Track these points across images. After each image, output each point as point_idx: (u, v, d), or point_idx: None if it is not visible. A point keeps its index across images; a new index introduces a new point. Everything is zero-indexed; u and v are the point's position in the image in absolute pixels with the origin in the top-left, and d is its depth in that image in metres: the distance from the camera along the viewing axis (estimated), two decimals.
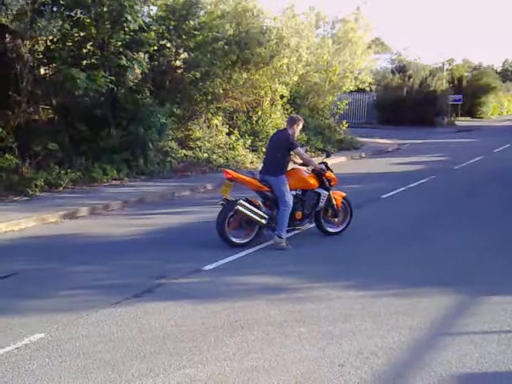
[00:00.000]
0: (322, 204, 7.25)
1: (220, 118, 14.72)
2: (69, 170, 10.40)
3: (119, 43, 11.72)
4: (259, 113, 15.81)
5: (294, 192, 6.99)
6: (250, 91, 15.05)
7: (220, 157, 13.58)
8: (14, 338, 4.19)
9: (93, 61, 11.61)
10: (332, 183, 7.36)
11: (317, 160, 8.06)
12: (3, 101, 10.71)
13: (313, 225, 7.51)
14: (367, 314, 4.76)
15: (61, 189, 9.96)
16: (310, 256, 6.63)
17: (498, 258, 6.57)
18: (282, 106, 16.79)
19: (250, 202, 6.80)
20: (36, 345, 4.09)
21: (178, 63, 13.87)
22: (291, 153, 7.02)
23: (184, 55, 13.76)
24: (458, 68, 44.01)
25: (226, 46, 13.83)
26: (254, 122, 15.75)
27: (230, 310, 4.80)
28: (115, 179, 11.06)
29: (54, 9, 10.62)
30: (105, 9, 11.21)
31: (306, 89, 18.80)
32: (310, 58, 18.26)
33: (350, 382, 3.64)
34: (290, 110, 16.83)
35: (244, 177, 7.00)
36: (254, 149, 14.88)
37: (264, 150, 13.97)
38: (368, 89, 23.37)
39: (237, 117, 15.33)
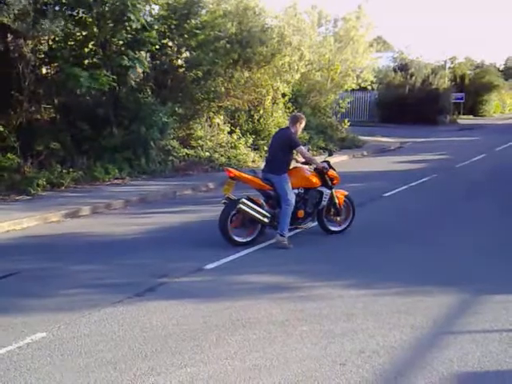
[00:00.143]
0: (324, 202, 7.25)
1: (222, 117, 14.71)
2: (71, 169, 10.42)
3: (121, 42, 11.73)
4: (261, 111, 15.79)
5: (296, 190, 6.98)
6: (252, 90, 15.03)
7: (222, 156, 13.57)
8: (16, 337, 4.20)
9: (95, 60, 11.62)
10: (334, 182, 7.35)
11: (319, 159, 8.05)
12: (5, 100, 10.73)
13: (315, 223, 7.50)
14: (369, 313, 4.76)
15: (63, 188, 9.97)
16: (312, 255, 6.63)
17: (500, 258, 6.56)
18: (284, 104, 16.78)
19: (253, 201, 6.80)
20: (38, 344, 4.10)
21: (179, 62, 13.86)
22: (294, 151, 7.02)
23: (186, 54, 13.76)
24: (461, 66, 43.87)
25: (228, 45, 13.82)
26: (255, 120, 15.73)
27: (231, 309, 4.80)
28: (117, 178, 11.07)
29: (56, 8, 10.64)
30: (106, 8, 11.22)
31: (307, 87, 18.78)
32: (311, 57, 18.24)
33: (351, 381, 3.64)
34: (291, 109, 16.81)
35: (246, 175, 7.00)
36: (255, 147, 14.88)
37: (266, 148, 13.98)
38: (370, 87, 23.33)
39: (238, 115, 15.32)
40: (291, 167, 7.12)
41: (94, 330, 4.36)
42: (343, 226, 7.60)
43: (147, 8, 12.39)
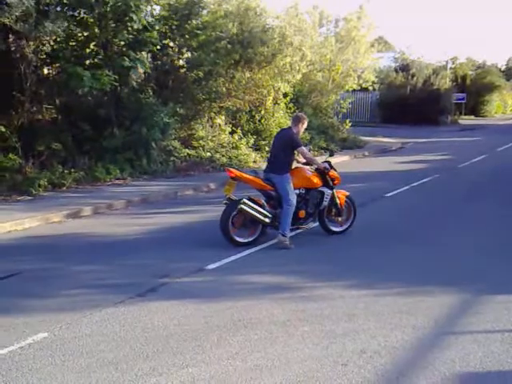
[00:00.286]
0: (325, 203, 7.25)
1: (223, 117, 14.71)
2: (72, 170, 10.41)
3: (122, 43, 11.74)
4: (262, 112, 15.79)
5: (297, 191, 6.98)
6: (253, 90, 15.03)
7: (223, 156, 13.57)
8: (18, 337, 4.20)
9: (96, 61, 11.63)
10: (335, 182, 7.35)
11: (320, 159, 8.05)
12: (7, 101, 10.74)
13: (316, 224, 7.50)
14: (370, 313, 4.76)
15: (64, 188, 9.97)
16: (313, 255, 6.63)
17: (501, 258, 6.56)
18: (286, 104, 16.78)
19: (254, 201, 6.80)
20: (39, 344, 4.10)
21: (180, 62, 13.87)
22: (295, 152, 7.02)
23: (187, 54, 13.76)
24: (462, 66, 43.87)
25: (229, 46, 13.81)
26: (256, 121, 15.73)
27: (233, 309, 4.80)
28: (118, 179, 11.07)
29: (58, 9, 10.66)
30: (108, 8, 11.23)
31: (309, 88, 18.78)
32: (313, 57, 18.23)
33: (353, 381, 3.64)
34: (293, 109, 16.81)
35: (247, 176, 7.00)
36: (256, 148, 14.88)
37: (267, 149, 14.00)
38: (371, 87, 23.37)
39: (240, 116, 15.32)
40: (292, 167, 7.12)
41: (95, 330, 4.36)
42: (344, 227, 7.59)
43: (148, 8, 12.40)
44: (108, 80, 10.72)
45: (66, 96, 11.63)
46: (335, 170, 7.42)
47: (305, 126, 7.25)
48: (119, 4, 10.92)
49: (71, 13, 11.10)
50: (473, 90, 39.84)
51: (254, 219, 6.79)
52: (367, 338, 4.27)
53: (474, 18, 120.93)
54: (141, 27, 11.38)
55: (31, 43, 10.47)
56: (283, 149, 6.94)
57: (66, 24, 10.17)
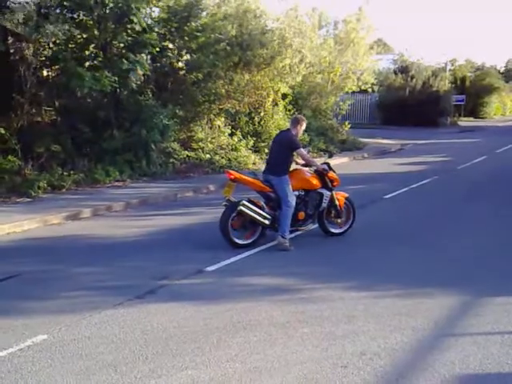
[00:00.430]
0: (324, 204, 7.25)
1: (222, 119, 14.72)
2: (71, 172, 10.41)
3: (122, 45, 11.74)
4: (261, 114, 15.79)
5: (296, 192, 6.99)
6: (252, 92, 15.04)
7: (222, 158, 13.57)
8: (17, 339, 4.19)
9: (95, 63, 11.63)
10: (334, 184, 7.35)
11: (319, 161, 8.05)
12: (6, 103, 10.75)
13: (316, 225, 7.50)
14: (370, 315, 4.75)
15: (63, 190, 9.97)
16: (313, 257, 6.62)
17: (501, 259, 6.56)
18: (285, 106, 16.79)
19: (253, 203, 6.80)
20: (39, 346, 4.09)
21: (180, 64, 13.87)
22: (294, 153, 7.03)
23: (186, 57, 13.76)
24: (461, 68, 43.95)
25: (228, 48, 13.82)
26: (256, 122, 15.73)
27: (232, 311, 4.80)
28: (118, 180, 11.07)
29: (57, 11, 10.67)
30: (107, 11, 11.24)
31: (308, 89, 18.79)
32: (312, 59, 18.25)
33: (352, 383, 3.63)
34: (292, 111, 16.83)
35: (246, 177, 7.00)
36: (256, 150, 14.88)
37: (266, 150, 13.99)
38: (370, 89, 23.35)
39: (239, 118, 15.32)
40: (291, 169, 7.12)
41: (94, 332, 4.35)
42: (344, 228, 7.59)
43: (147, 11, 12.41)
44: (108, 82, 10.73)
45: (65, 98, 11.64)
46: (334, 172, 7.43)
47: (303, 127, 7.26)
48: (120, 5, 10.93)
49: (70, 15, 11.11)
50: (472, 91, 39.92)
51: (254, 221, 6.79)
52: (367, 340, 4.26)
53: (473, 19, 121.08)
54: (141, 29, 11.39)
55: (31, 45, 10.47)
56: (282, 150, 6.95)
57: (66, 27, 10.19)
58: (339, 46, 20.18)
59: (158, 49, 12.17)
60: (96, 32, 11.50)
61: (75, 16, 11.29)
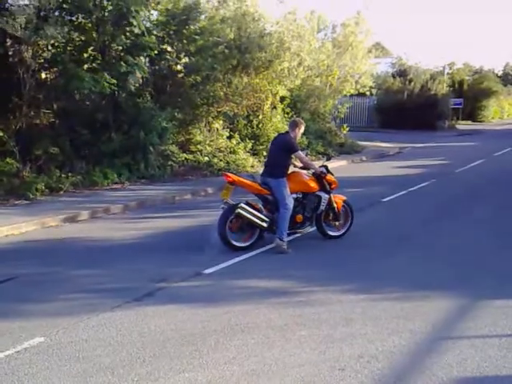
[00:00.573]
0: (322, 207, 7.25)
1: (221, 122, 14.73)
2: (69, 174, 10.40)
3: (120, 48, 11.75)
4: (260, 117, 15.80)
5: (294, 195, 6.99)
6: (251, 95, 15.05)
7: (221, 160, 13.58)
8: (14, 341, 4.18)
9: (94, 65, 11.64)
10: (332, 186, 7.36)
11: (317, 163, 8.06)
12: (5, 105, 10.74)
13: (314, 228, 7.50)
14: (368, 318, 4.75)
15: (61, 193, 9.95)
16: (311, 260, 6.62)
17: (499, 262, 6.56)
18: (283, 109, 16.81)
19: (251, 206, 6.80)
20: (36, 349, 4.09)
21: (178, 67, 13.88)
22: (292, 156, 7.04)
23: (185, 59, 13.77)
24: (459, 72, 44.05)
25: (227, 51, 13.84)
26: (254, 125, 15.74)
27: (230, 314, 4.79)
28: (116, 183, 11.06)
29: (56, 13, 10.68)
30: (106, 13, 11.26)
31: (306, 93, 18.81)
32: (311, 63, 18.28)
33: None
34: (290, 114, 16.84)
35: (244, 180, 7.01)
36: (254, 152, 14.89)
37: (265, 153, 14.00)
38: (369, 93, 23.38)
39: (237, 121, 15.33)
40: (289, 172, 7.13)
41: (92, 334, 4.35)
42: (342, 231, 7.60)
43: (146, 13, 12.42)
44: (107, 84, 10.74)
45: (63, 100, 11.62)
46: (332, 175, 7.44)
47: (302, 130, 7.28)
48: (119, 8, 10.94)
49: (69, 18, 11.13)
50: (470, 95, 39.98)
51: (252, 224, 6.79)
52: (364, 343, 4.26)
53: (471, 23, 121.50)
54: (139, 32, 11.40)
55: (30, 48, 10.47)
56: (280, 153, 6.96)
57: (65, 29, 10.21)
58: (337, 50, 20.20)
59: (156, 52, 12.18)
60: (95, 35, 11.51)
61: (74, 19, 11.30)
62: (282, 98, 16.60)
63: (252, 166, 13.85)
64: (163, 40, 13.00)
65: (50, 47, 11.20)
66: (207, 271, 5.98)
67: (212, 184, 11.47)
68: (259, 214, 6.79)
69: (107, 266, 6.24)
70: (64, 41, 10.91)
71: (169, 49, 13.44)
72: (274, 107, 16.25)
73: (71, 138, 11.23)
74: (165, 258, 6.47)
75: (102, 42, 11.51)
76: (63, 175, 10.30)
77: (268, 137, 15.06)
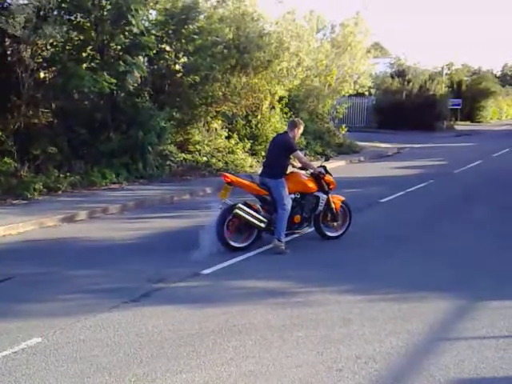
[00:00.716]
0: (320, 208, 7.25)
1: (219, 122, 14.73)
2: (68, 174, 10.40)
3: (119, 47, 11.74)
4: (258, 117, 15.81)
5: (292, 195, 6.99)
6: (249, 95, 15.05)
7: (219, 160, 13.58)
8: (11, 342, 4.18)
9: (93, 65, 11.63)
10: (331, 187, 7.36)
11: (315, 164, 8.06)
12: (3, 104, 10.72)
13: (312, 229, 7.50)
14: (365, 319, 4.75)
15: (60, 192, 9.94)
16: (309, 260, 6.62)
17: (496, 263, 6.57)
18: (281, 109, 16.80)
19: (249, 206, 6.80)
20: (33, 349, 4.08)
21: (177, 67, 13.87)
22: (291, 156, 7.04)
23: (183, 59, 13.77)
24: (458, 72, 44.10)
25: (226, 50, 13.83)
26: (253, 125, 15.74)
27: (227, 315, 4.79)
28: (114, 183, 11.05)
29: (55, 12, 10.67)
30: (105, 12, 11.25)
31: (305, 93, 18.82)
32: (310, 63, 18.28)
33: None
34: (289, 114, 16.84)
35: (243, 180, 7.01)
36: (253, 153, 14.89)
37: (263, 153, 14.00)
38: (367, 93, 23.40)
39: (236, 121, 15.33)
40: (288, 172, 7.13)
41: (89, 335, 4.34)
42: (340, 232, 7.60)
43: (145, 13, 12.41)
44: (106, 84, 10.73)
45: (62, 100, 11.61)
46: (330, 175, 7.43)
47: (301, 131, 7.28)
48: (119, 6, 10.92)
49: (68, 17, 11.11)
50: (468, 95, 40.04)
51: (249, 224, 6.79)
52: (362, 344, 4.26)
53: (470, 24, 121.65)
54: (138, 31, 11.40)
55: (28, 47, 10.46)
56: (279, 153, 6.96)
57: (65, 29, 10.20)
58: (336, 50, 20.22)
59: (155, 51, 12.17)
60: (93, 34, 11.50)
61: (73, 18, 11.29)
62: (280, 98, 16.60)
63: (250, 166, 13.86)
64: (162, 39, 12.99)
65: (48, 46, 11.19)
66: (205, 272, 5.97)
67: (210, 184, 11.45)
68: (257, 215, 6.78)
69: (105, 266, 6.23)
70: (63, 40, 10.89)
71: (167, 48, 13.44)
72: (273, 107, 16.25)
73: (69, 138, 11.21)
74: (162, 259, 6.46)
75: (101, 41, 11.50)
76: (61, 175, 10.28)
77: (266, 137, 15.07)
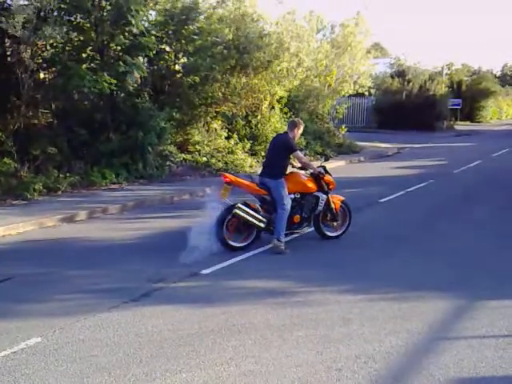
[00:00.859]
0: (320, 208, 7.25)
1: (219, 122, 14.73)
2: (67, 174, 10.39)
3: (119, 47, 11.74)
4: (258, 117, 15.81)
5: (292, 195, 6.99)
6: (249, 95, 15.06)
7: (219, 161, 13.58)
8: (11, 342, 4.18)
9: (92, 65, 11.63)
10: (330, 187, 7.36)
11: (315, 164, 8.06)
12: (3, 105, 10.73)
13: (311, 229, 7.50)
14: (365, 318, 4.76)
15: (59, 193, 9.94)
16: (309, 260, 6.62)
17: (495, 262, 6.57)
18: (281, 109, 16.81)
19: (249, 206, 6.80)
20: (32, 349, 4.08)
21: (177, 67, 13.88)
22: (291, 156, 7.04)
23: (183, 60, 13.78)
24: (458, 72, 44.14)
25: (225, 51, 13.84)
26: (253, 126, 15.75)
27: (227, 314, 4.79)
28: (114, 183, 11.05)
29: (55, 13, 10.67)
30: (105, 13, 11.26)
31: (305, 93, 18.83)
32: (309, 63, 18.29)
33: None
34: (289, 114, 16.85)
35: (242, 180, 7.00)
36: (252, 153, 14.90)
37: (263, 153, 14.01)
38: (367, 93, 23.40)
39: (236, 121, 15.34)
40: (287, 172, 7.13)
41: (88, 335, 4.34)
42: (340, 232, 7.60)
43: (145, 13, 12.41)
44: (107, 84, 10.73)
45: (62, 100, 11.61)
46: (330, 175, 7.43)
47: (301, 131, 7.28)
48: (119, 7, 10.92)
49: (68, 18, 11.12)
50: (468, 95, 40.07)
51: (249, 224, 6.79)
52: (362, 343, 4.26)
53: (470, 24, 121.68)
54: (138, 32, 11.40)
55: (28, 48, 10.46)
56: (279, 153, 6.97)
57: (65, 29, 10.21)
58: (336, 50, 20.24)
59: (154, 52, 12.17)
60: (93, 34, 11.50)
61: (72, 19, 11.29)
62: (279, 98, 16.60)
63: (250, 166, 13.86)
64: (162, 40, 13.00)
65: (48, 47, 11.19)
66: (204, 271, 5.97)
67: (210, 184, 11.44)
68: (257, 215, 6.78)
69: (104, 266, 6.23)
70: (63, 41, 10.89)
71: (167, 49, 13.45)
72: (273, 107, 16.25)
73: (69, 138, 11.21)
74: (162, 259, 6.46)
75: (101, 41, 11.50)
76: (61, 175, 10.28)
77: (266, 137, 15.08)
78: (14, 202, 9.14)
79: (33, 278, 5.75)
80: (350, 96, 23.23)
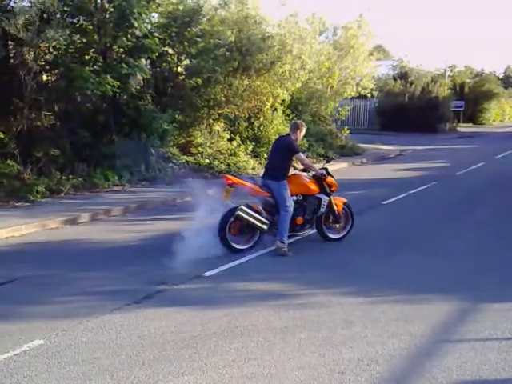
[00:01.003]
0: (322, 209, 7.24)
1: (222, 124, 14.75)
2: (70, 176, 10.42)
3: (121, 50, 11.77)
4: (261, 119, 15.82)
5: (294, 197, 6.99)
6: (252, 97, 15.07)
7: (221, 163, 13.59)
8: (14, 344, 4.18)
9: (95, 67, 11.66)
10: (333, 189, 7.36)
11: (318, 166, 8.06)
12: (6, 107, 10.76)
13: (314, 231, 7.49)
14: (368, 321, 4.75)
15: (62, 195, 9.97)
16: (311, 262, 6.62)
17: (499, 264, 6.55)
18: (283, 111, 16.81)
19: (251, 208, 6.80)
20: (35, 351, 4.08)
21: (179, 70, 13.91)
22: (293, 158, 7.04)
23: (186, 62, 13.81)
24: (460, 74, 44.14)
25: (228, 53, 13.87)
26: (255, 128, 15.77)
27: (229, 316, 4.79)
28: (117, 185, 11.07)
29: (58, 15, 10.71)
30: (108, 15, 11.29)
31: (307, 95, 18.85)
32: (312, 65, 18.30)
33: None
34: (291, 116, 16.86)
35: (245, 182, 7.00)
36: (255, 155, 14.91)
37: (265, 155, 14.02)
38: (370, 95, 23.40)
39: (238, 123, 15.35)
40: (290, 174, 7.13)
41: (91, 337, 4.34)
42: (342, 234, 7.59)
43: (148, 15, 12.44)
44: (111, 87, 10.76)
45: (65, 102, 11.65)
46: (333, 177, 7.43)
47: (303, 133, 7.28)
48: (122, 9, 10.95)
49: (71, 20, 11.16)
50: (471, 97, 40.07)
51: (252, 226, 6.79)
52: (364, 346, 4.25)
53: (473, 26, 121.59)
54: (141, 34, 11.43)
55: (31, 50, 10.49)
56: (281, 155, 6.97)
57: (68, 32, 10.24)
58: (339, 52, 20.25)
59: (157, 54, 12.20)
60: (96, 37, 11.54)
61: (75, 21, 11.34)
62: (282, 101, 16.61)
63: (253, 168, 13.87)
64: (164, 42, 13.02)
65: (51, 49, 11.23)
66: (207, 273, 5.97)
67: (213, 186, 11.43)
68: (259, 217, 6.78)
69: (107, 268, 6.24)
70: (66, 43, 10.92)
71: (170, 51, 13.48)
72: (275, 109, 16.26)
73: (72, 140, 11.24)
74: (165, 261, 6.43)
75: (104, 44, 11.54)
76: (64, 177, 10.30)
77: (269, 139, 15.10)
78: (16, 204, 9.16)
79: (35, 279, 5.76)
80: (353, 98, 23.24)
